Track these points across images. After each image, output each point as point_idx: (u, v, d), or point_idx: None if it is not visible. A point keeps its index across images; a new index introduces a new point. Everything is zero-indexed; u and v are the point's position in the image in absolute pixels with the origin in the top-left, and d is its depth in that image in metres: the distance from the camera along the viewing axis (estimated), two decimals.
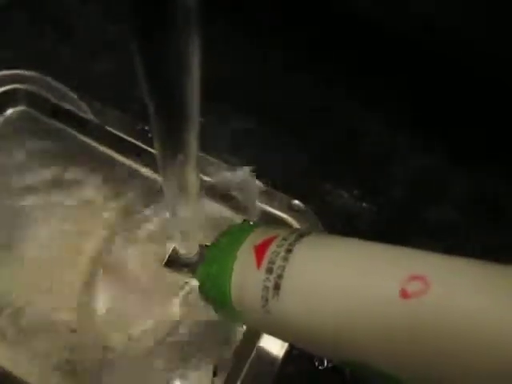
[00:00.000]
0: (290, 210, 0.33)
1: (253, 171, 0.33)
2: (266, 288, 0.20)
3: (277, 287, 0.20)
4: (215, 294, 0.23)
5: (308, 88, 0.38)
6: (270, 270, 0.20)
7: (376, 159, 0.36)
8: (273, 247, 0.21)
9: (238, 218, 0.34)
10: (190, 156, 0.17)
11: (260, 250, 0.21)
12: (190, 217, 0.22)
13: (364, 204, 0.34)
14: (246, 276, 0.21)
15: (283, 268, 0.20)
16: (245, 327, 0.30)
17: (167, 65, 0.13)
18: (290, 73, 0.39)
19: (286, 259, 0.20)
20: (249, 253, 0.22)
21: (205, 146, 0.34)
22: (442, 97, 0.36)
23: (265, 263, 0.21)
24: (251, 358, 0.28)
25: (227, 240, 0.24)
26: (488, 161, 0.35)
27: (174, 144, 0.16)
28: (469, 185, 0.35)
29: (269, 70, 0.39)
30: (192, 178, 0.18)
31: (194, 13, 0.11)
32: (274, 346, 0.29)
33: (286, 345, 0.29)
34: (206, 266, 0.24)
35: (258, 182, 0.33)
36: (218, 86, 0.37)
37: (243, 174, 0.33)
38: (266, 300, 0.20)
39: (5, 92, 0.37)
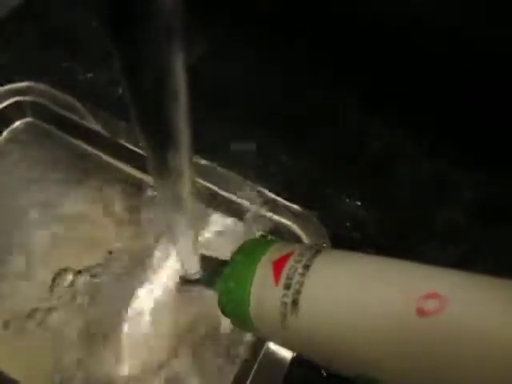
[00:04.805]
0: (294, 216, 0.33)
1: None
2: (284, 304, 0.20)
3: (295, 303, 0.20)
4: (234, 309, 0.24)
5: (309, 92, 0.38)
6: (287, 286, 0.20)
7: (380, 163, 0.36)
8: (290, 263, 0.21)
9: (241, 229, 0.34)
10: (183, 168, 0.16)
11: (278, 266, 0.22)
12: (185, 230, 0.22)
13: (369, 209, 0.34)
14: (264, 292, 0.22)
15: (301, 284, 0.20)
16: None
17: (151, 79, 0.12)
18: (291, 76, 0.39)
19: (303, 275, 0.20)
20: (267, 269, 0.22)
21: (206, 153, 0.34)
22: (445, 98, 0.36)
23: (283, 279, 0.21)
24: (258, 361, 0.28)
25: (245, 255, 0.24)
26: (494, 163, 0.35)
27: (165, 157, 0.15)
28: (475, 188, 0.34)
29: (269, 73, 0.39)
30: (185, 190, 0.18)
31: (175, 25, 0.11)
32: (281, 350, 0.29)
33: None
34: (225, 282, 0.24)
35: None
36: (216, 92, 0.37)
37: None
38: (285, 316, 0.20)
39: (12, 104, 0.37)
